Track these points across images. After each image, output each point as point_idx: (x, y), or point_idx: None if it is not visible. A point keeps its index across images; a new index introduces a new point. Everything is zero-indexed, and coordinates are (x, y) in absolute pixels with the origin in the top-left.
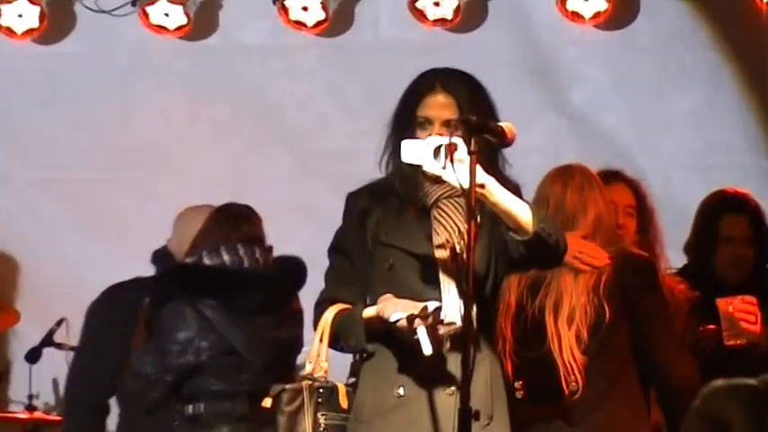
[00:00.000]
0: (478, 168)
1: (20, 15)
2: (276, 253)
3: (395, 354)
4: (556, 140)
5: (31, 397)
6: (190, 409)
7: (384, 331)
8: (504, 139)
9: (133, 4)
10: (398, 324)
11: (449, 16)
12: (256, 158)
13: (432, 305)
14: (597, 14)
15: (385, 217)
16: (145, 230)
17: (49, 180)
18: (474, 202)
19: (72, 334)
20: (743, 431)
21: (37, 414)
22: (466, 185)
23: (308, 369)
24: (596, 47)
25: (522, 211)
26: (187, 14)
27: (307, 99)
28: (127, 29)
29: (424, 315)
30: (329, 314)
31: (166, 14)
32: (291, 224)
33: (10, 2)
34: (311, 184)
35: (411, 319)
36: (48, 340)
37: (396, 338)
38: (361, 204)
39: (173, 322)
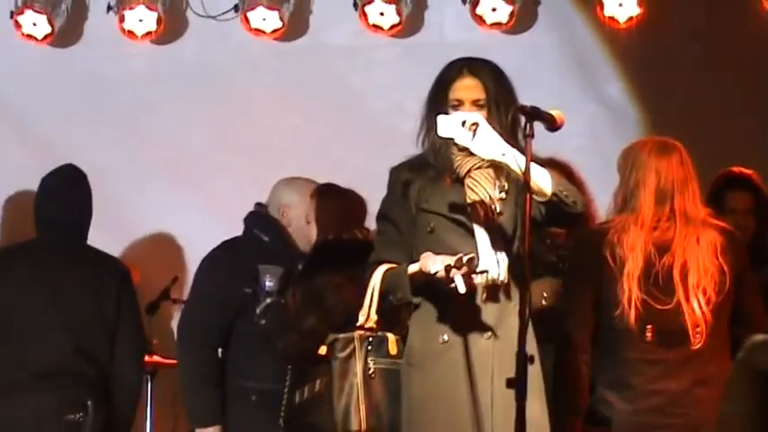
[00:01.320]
0: (500, 139)
1: (140, 20)
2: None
3: (437, 304)
4: (594, 125)
5: (150, 343)
6: None
7: (427, 284)
8: (554, 124)
9: (236, 10)
10: (437, 274)
11: (504, 20)
12: (342, 143)
13: (466, 256)
14: (630, 18)
15: (424, 186)
16: (247, 206)
17: (168, 161)
18: (529, 178)
19: (183, 290)
20: None
21: (155, 358)
22: (487, 156)
23: (360, 320)
24: (630, 45)
25: (541, 177)
26: (282, 19)
27: (385, 91)
28: (230, 32)
29: (459, 264)
30: (379, 272)
31: (264, 19)
32: (373, 196)
33: (132, 8)
34: (389, 162)
35: (448, 268)
36: (164, 295)
37: (437, 290)
38: (403, 177)
39: (327, 288)
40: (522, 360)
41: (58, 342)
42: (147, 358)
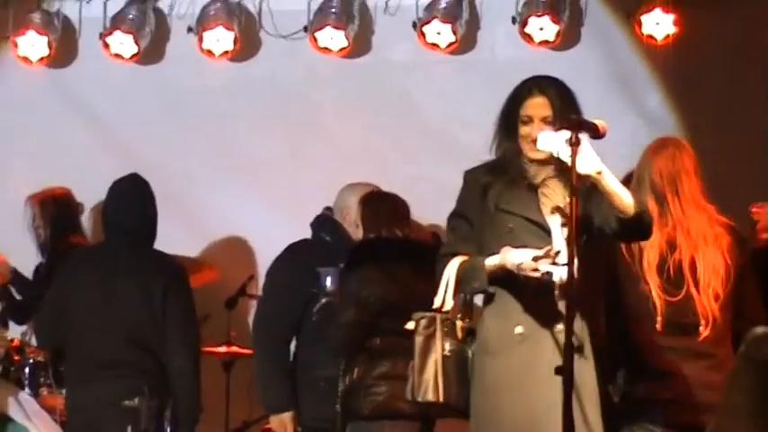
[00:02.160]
0: (596, 157)
1: (218, 40)
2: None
3: (513, 298)
4: (635, 135)
5: (228, 335)
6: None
7: (503, 277)
8: (597, 133)
9: (305, 30)
10: (523, 264)
11: (551, 38)
12: (400, 152)
13: (552, 249)
14: (667, 36)
15: (502, 190)
16: (315, 210)
17: (242, 169)
18: (576, 181)
19: (258, 286)
20: None
21: (233, 349)
22: (584, 171)
23: (436, 304)
24: (667, 61)
25: (625, 195)
26: (347, 38)
27: (440, 104)
28: (300, 50)
29: (546, 255)
30: (454, 262)
31: (331, 38)
32: (428, 203)
33: (210, 29)
34: (445, 170)
35: (536, 258)
36: (241, 291)
37: (513, 284)
38: (482, 180)
39: (360, 281)
40: (570, 349)
41: (114, 336)
42: (224, 349)
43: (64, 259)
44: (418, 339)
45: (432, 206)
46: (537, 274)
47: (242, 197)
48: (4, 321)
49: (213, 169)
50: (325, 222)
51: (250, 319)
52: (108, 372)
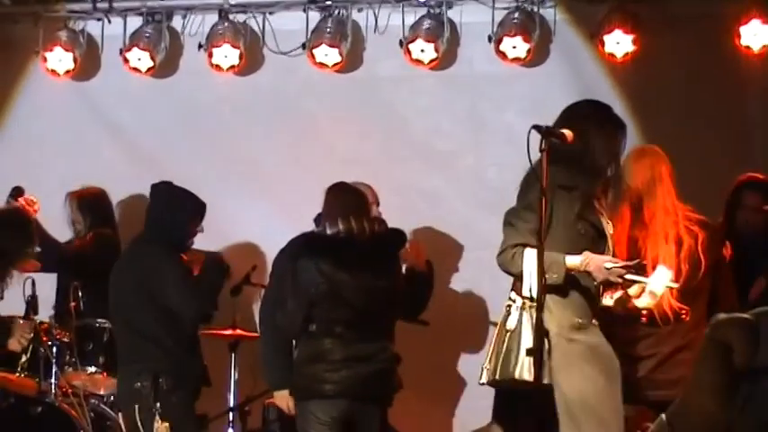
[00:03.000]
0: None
1: (225, 56)
2: (399, 224)
3: (578, 293)
4: None
5: (234, 319)
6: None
7: (572, 275)
8: (564, 140)
9: (303, 48)
10: (613, 270)
11: (523, 56)
12: (388, 157)
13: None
14: (626, 54)
15: (584, 201)
16: (313, 210)
17: (247, 173)
18: (546, 181)
19: (262, 276)
20: (740, 349)
21: (238, 331)
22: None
23: (525, 292)
24: (626, 76)
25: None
26: (341, 55)
27: (424, 114)
28: (299, 66)
29: (633, 266)
30: (530, 253)
31: (326, 55)
32: (415, 202)
33: (219, 46)
34: (428, 174)
35: (626, 267)
36: (246, 280)
37: (578, 283)
38: (566, 185)
39: (303, 275)
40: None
41: (134, 326)
42: (229, 332)
43: (98, 248)
44: (510, 321)
45: (415, 207)
46: (619, 281)
47: (246, 197)
48: (35, 308)
49: (220, 172)
50: (316, 220)
51: (254, 305)
52: (130, 357)
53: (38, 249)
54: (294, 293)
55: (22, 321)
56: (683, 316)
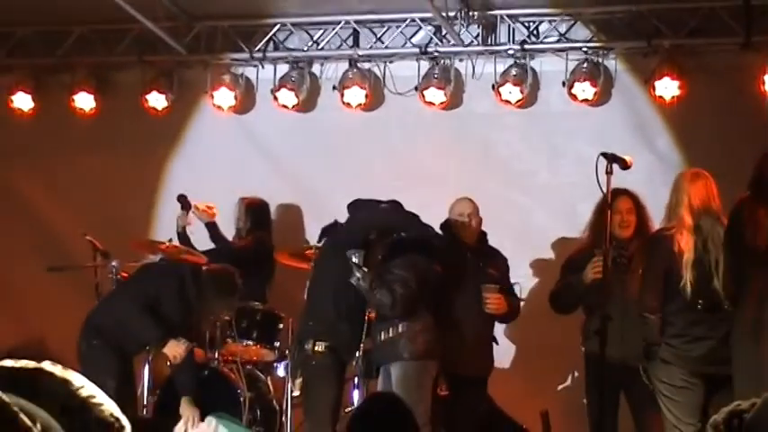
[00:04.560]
0: None
1: (354, 95)
2: (488, 228)
3: None
4: (649, 168)
5: None
6: None
7: None
8: (625, 165)
9: (416, 89)
10: None
11: (590, 97)
12: (482, 178)
13: None
14: (673, 97)
15: None
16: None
17: (367, 188)
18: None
19: None
20: None
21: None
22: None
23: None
24: (673, 114)
25: None
26: (445, 95)
27: (513, 145)
28: (412, 104)
29: None
30: None
31: (434, 95)
32: (501, 212)
33: (349, 87)
34: (511, 189)
35: None
36: None
37: None
38: None
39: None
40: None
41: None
42: None
43: (256, 248)
44: None
45: (501, 216)
46: None
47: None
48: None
49: (348, 188)
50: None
51: None
52: None
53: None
54: None
55: (174, 341)
56: (726, 306)
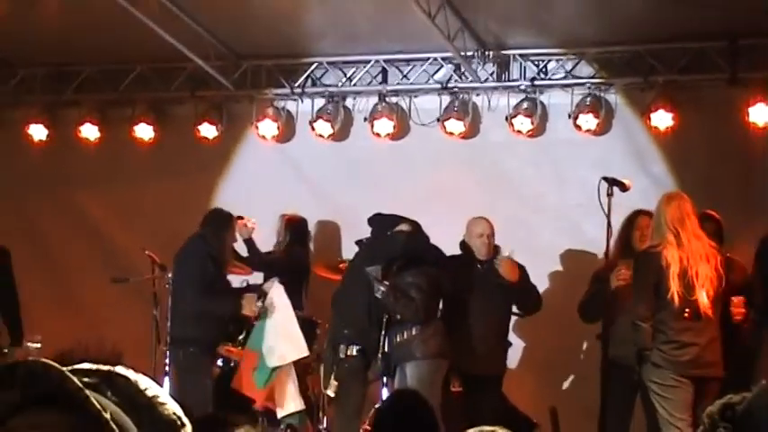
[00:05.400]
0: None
1: (383, 126)
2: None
3: None
4: (645, 190)
5: None
6: None
7: None
8: (625, 188)
9: (438, 120)
10: None
11: (593, 128)
12: (496, 199)
13: None
14: (668, 127)
15: None
16: (444, 236)
17: (394, 208)
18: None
19: None
20: None
21: None
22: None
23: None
24: (666, 142)
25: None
26: (464, 126)
27: (525, 170)
28: (434, 134)
29: None
30: None
31: (454, 126)
32: (514, 230)
33: (378, 119)
34: (522, 209)
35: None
36: None
37: None
38: None
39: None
40: None
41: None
42: None
43: (288, 259)
44: None
45: (514, 233)
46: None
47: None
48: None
49: (380, 209)
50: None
51: None
52: None
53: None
54: None
55: (248, 295)
56: (711, 314)
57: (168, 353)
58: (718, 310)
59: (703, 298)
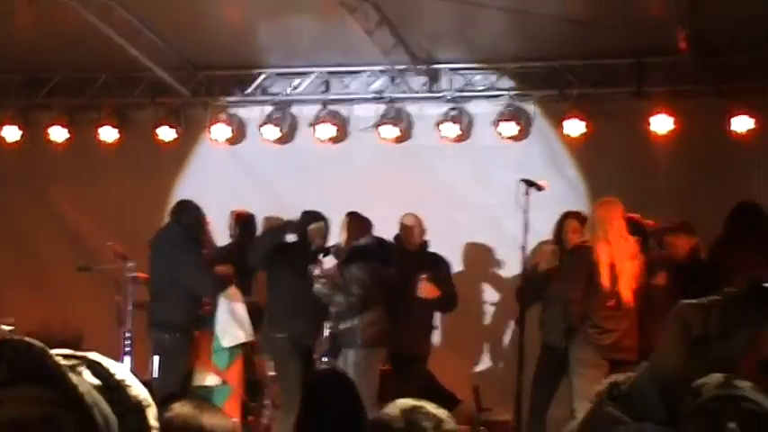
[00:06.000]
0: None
1: (326, 131)
2: (432, 238)
3: None
4: (560, 192)
5: None
6: None
7: None
8: (541, 188)
9: (375, 126)
10: None
11: (515, 134)
12: (424, 196)
13: None
14: (581, 134)
15: None
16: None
17: (328, 207)
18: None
19: None
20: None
21: None
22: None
23: None
24: (579, 148)
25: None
26: (399, 131)
27: (449, 170)
28: (372, 139)
29: None
30: None
31: (388, 131)
32: (442, 226)
33: (320, 124)
34: (451, 207)
35: None
36: None
37: None
38: None
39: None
40: None
41: None
42: None
43: (239, 251)
44: None
45: (443, 233)
46: None
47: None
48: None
49: (321, 206)
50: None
51: None
52: None
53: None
54: None
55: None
56: (632, 305)
57: (152, 336)
58: (638, 302)
59: (626, 290)
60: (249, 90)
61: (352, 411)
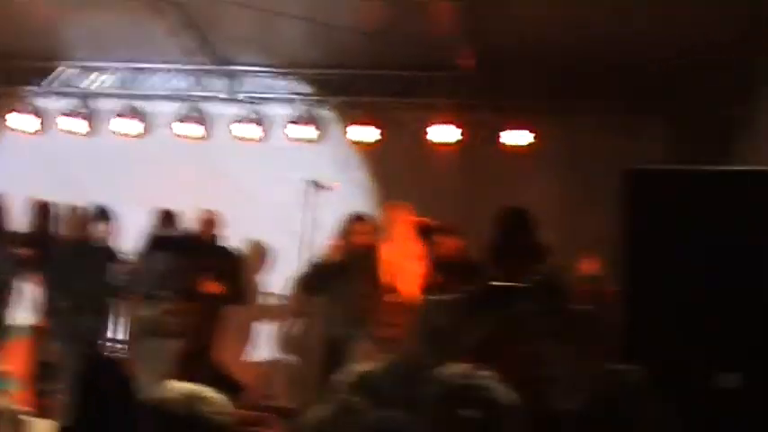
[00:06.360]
0: None
1: (129, 126)
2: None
3: None
4: (352, 193)
5: None
6: None
7: None
8: (332, 189)
9: (175, 123)
10: None
11: (312, 137)
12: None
13: None
14: (374, 142)
15: None
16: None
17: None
18: None
19: None
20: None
21: None
22: None
23: None
24: (368, 154)
25: None
26: (197, 129)
27: (250, 168)
28: (170, 134)
29: None
30: None
31: (188, 129)
32: (238, 214)
33: (124, 118)
34: (248, 199)
35: None
36: None
37: None
38: None
39: None
40: None
41: None
42: None
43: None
44: None
45: (236, 228)
46: None
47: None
48: None
49: (123, 198)
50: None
51: None
52: None
53: None
54: None
55: None
56: (411, 301)
57: None
58: (420, 298)
59: (409, 288)
60: (53, 82)
61: (126, 397)
